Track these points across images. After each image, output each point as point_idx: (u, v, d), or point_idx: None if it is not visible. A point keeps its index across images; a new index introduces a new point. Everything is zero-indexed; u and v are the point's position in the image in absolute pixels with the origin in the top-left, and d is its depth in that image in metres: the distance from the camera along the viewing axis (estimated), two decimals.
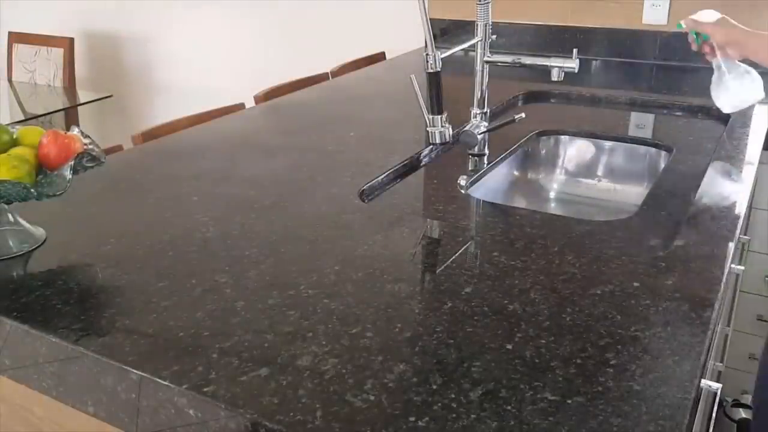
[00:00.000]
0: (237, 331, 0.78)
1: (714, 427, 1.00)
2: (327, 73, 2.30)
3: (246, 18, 3.12)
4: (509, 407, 0.66)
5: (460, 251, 0.99)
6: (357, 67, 2.39)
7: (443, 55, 1.17)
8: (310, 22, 2.98)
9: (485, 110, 1.45)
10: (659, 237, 1.03)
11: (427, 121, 1.19)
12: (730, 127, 1.60)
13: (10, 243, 0.97)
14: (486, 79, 1.44)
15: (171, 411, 0.70)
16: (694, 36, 1.47)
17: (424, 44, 1.15)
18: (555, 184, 1.65)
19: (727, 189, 1.21)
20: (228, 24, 3.18)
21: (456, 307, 0.83)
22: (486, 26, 1.40)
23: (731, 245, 0.99)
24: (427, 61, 1.15)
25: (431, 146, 1.42)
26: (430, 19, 1.14)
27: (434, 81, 1.16)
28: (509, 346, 0.75)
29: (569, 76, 1.41)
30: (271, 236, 1.03)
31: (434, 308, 0.84)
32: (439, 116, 1.18)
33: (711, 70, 1.46)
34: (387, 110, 1.80)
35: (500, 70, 1.53)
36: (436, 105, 1.17)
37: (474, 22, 1.40)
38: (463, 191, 1.23)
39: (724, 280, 0.90)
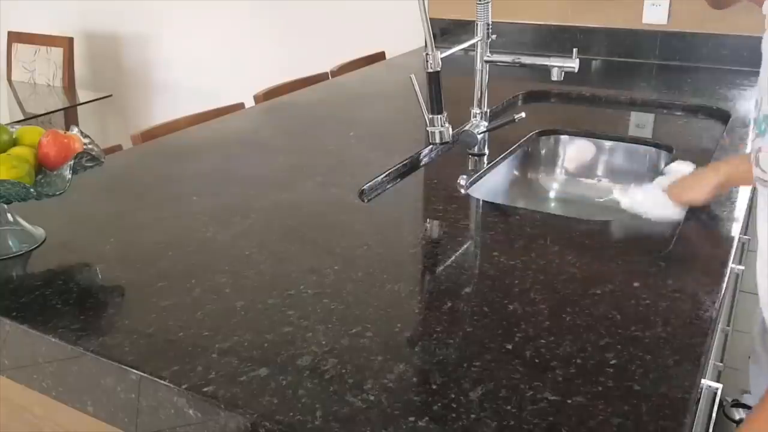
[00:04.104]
0: (237, 331, 0.78)
1: (714, 427, 1.00)
2: (327, 73, 2.30)
3: (246, 18, 3.12)
4: (509, 407, 0.66)
5: (460, 251, 0.99)
6: (357, 67, 2.39)
7: (443, 55, 1.17)
8: (310, 22, 2.98)
9: (485, 110, 1.45)
10: (659, 237, 1.03)
11: (427, 121, 1.19)
12: (730, 127, 1.59)
13: (10, 243, 0.97)
14: (486, 79, 1.44)
15: (171, 411, 0.70)
16: None
17: (424, 44, 1.15)
18: (555, 184, 1.65)
19: (726, 188, 1.21)
20: (228, 24, 3.18)
21: (456, 307, 0.83)
22: (486, 26, 1.40)
23: (731, 245, 0.99)
24: (427, 61, 1.15)
25: (431, 146, 1.42)
26: (430, 19, 1.14)
27: (434, 81, 1.16)
28: (509, 346, 0.75)
29: (569, 76, 1.41)
30: (271, 236, 1.02)
31: (434, 308, 0.84)
32: (439, 116, 1.18)
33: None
34: (387, 110, 1.80)
35: (500, 69, 1.53)
36: (436, 105, 1.17)
37: (474, 21, 1.40)
38: (463, 191, 1.23)
39: (724, 280, 0.90)
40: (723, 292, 0.87)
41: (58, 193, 0.95)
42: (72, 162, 0.94)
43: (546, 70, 1.40)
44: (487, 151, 1.45)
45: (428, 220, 1.11)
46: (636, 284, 0.88)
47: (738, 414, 1.87)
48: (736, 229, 1.05)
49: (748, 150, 1.15)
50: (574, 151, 1.64)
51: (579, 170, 1.63)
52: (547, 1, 2.43)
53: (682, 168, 1.23)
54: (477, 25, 1.39)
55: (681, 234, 1.03)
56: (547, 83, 1.67)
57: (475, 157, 1.43)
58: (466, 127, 1.42)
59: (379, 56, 2.59)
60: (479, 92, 1.44)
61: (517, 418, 0.64)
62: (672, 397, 0.67)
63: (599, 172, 1.62)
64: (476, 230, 1.08)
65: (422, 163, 1.39)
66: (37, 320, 0.80)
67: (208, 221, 1.07)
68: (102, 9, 3.49)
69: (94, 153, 0.98)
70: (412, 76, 1.14)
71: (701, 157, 1.39)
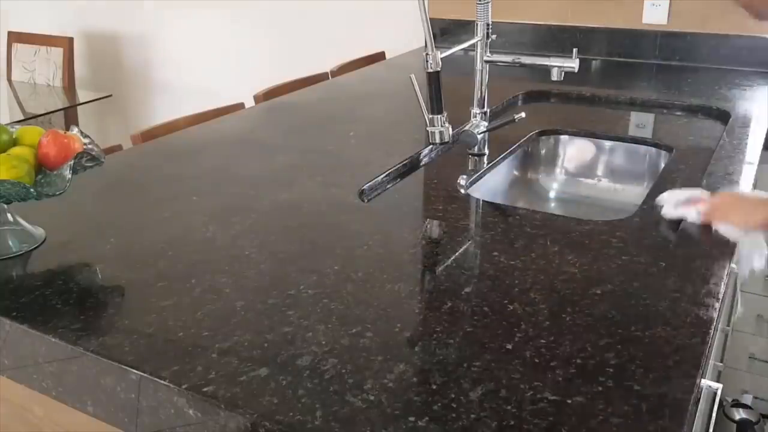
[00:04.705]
0: (237, 331, 0.78)
1: (714, 427, 1.00)
2: (327, 73, 2.30)
3: (246, 18, 3.12)
4: (509, 407, 0.66)
5: (460, 251, 0.99)
6: (357, 67, 2.39)
7: (443, 55, 1.17)
8: (310, 22, 2.98)
9: (485, 110, 1.45)
10: (659, 237, 1.03)
11: (427, 121, 1.19)
12: (730, 127, 1.59)
13: (10, 243, 0.97)
14: (486, 79, 1.44)
15: (170, 411, 0.70)
16: None
17: (424, 44, 1.15)
18: (555, 184, 1.65)
19: (726, 189, 1.21)
20: (228, 24, 3.18)
21: (456, 307, 0.83)
22: (486, 26, 1.40)
23: (731, 246, 0.99)
24: (427, 61, 1.15)
25: (431, 146, 1.42)
26: (430, 19, 1.14)
27: (434, 81, 1.16)
28: (509, 346, 0.75)
29: (569, 76, 1.41)
30: (270, 236, 1.02)
31: (434, 308, 0.83)
32: (439, 116, 1.18)
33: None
34: (387, 110, 1.80)
35: (500, 69, 1.53)
36: (436, 105, 1.17)
37: (474, 21, 1.40)
38: (463, 191, 1.23)
39: (724, 280, 0.90)
40: (723, 292, 0.87)
41: (58, 193, 0.95)
42: (72, 162, 0.94)
43: (546, 70, 1.40)
44: (487, 151, 1.45)
45: (428, 220, 1.11)
46: (636, 284, 0.88)
47: (738, 414, 1.86)
48: None
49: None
50: (574, 150, 1.64)
51: (579, 170, 1.63)
52: (547, 1, 2.43)
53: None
54: (477, 25, 1.39)
55: (681, 234, 1.03)
56: (547, 83, 1.67)
57: (475, 157, 1.43)
58: (466, 127, 1.42)
59: (379, 56, 2.59)
60: (479, 92, 1.44)
61: (517, 418, 0.64)
62: (672, 397, 0.67)
63: (599, 172, 1.62)
64: (476, 230, 1.08)
65: (422, 163, 1.39)
66: (37, 320, 0.80)
67: (208, 221, 1.07)
68: (102, 9, 3.49)
69: (94, 153, 0.98)
70: (412, 76, 1.14)
71: (701, 157, 1.39)
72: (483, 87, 1.44)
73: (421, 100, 1.17)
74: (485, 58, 1.42)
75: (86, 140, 1.01)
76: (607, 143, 1.60)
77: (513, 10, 2.46)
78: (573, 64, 1.38)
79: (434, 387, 0.69)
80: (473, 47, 1.40)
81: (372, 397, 0.67)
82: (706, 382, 0.78)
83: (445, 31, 2.58)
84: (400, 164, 1.33)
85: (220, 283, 0.88)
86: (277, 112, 1.78)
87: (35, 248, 0.98)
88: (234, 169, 1.32)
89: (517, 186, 1.59)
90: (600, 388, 0.68)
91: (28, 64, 3.39)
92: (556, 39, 2.44)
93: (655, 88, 1.99)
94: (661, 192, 1.15)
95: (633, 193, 1.56)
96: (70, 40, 3.32)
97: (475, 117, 1.45)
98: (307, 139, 1.52)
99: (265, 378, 0.70)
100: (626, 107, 1.86)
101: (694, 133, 1.59)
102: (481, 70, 1.43)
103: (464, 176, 1.28)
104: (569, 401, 0.66)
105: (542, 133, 1.64)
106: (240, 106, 1.83)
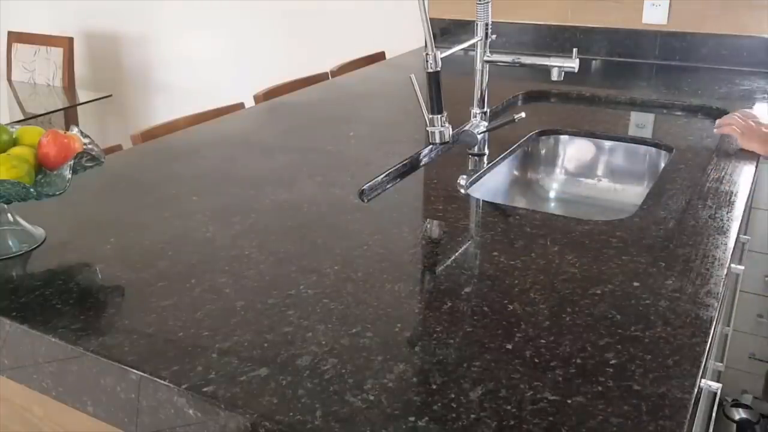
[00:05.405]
0: (237, 331, 0.78)
1: (714, 427, 1.00)
2: (327, 73, 2.30)
3: (246, 18, 3.12)
4: (509, 407, 0.66)
5: (460, 251, 0.99)
6: (357, 67, 2.39)
7: (443, 55, 1.17)
8: (310, 22, 2.98)
9: (485, 110, 1.45)
10: (659, 237, 1.03)
11: (427, 121, 1.19)
12: None
13: (10, 243, 0.97)
14: (486, 79, 1.44)
15: (170, 411, 0.70)
16: None
17: (424, 44, 1.15)
18: (555, 184, 1.65)
19: (726, 189, 1.21)
20: (228, 24, 3.18)
21: (456, 307, 0.83)
22: (486, 26, 1.40)
23: (731, 245, 0.99)
24: (427, 61, 1.15)
25: (431, 146, 1.42)
26: (430, 18, 1.14)
27: (434, 81, 1.16)
28: (509, 346, 0.75)
29: (569, 76, 1.41)
30: (270, 236, 1.02)
31: (434, 308, 0.83)
32: (439, 116, 1.18)
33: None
34: (387, 110, 1.80)
35: (500, 69, 1.53)
36: (436, 105, 1.17)
37: (474, 21, 1.40)
38: (463, 191, 1.23)
39: (724, 280, 0.90)
40: (723, 292, 0.87)
41: (58, 193, 0.95)
42: (72, 162, 0.94)
43: (546, 70, 1.40)
44: (487, 151, 1.45)
45: (428, 220, 1.11)
46: (636, 284, 0.88)
47: (738, 414, 1.87)
48: (735, 229, 1.05)
49: None
50: (574, 150, 1.64)
51: (579, 170, 1.64)
52: (547, 1, 2.43)
53: None
54: (477, 25, 1.39)
55: (681, 234, 1.03)
56: (547, 83, 1.67)
57: (475, 157, 1.43)
58: (466, 127, 1.42)
59: (379, 56, 2.59)
60: (479, 92, 1.44)
61: (517, 418, 0.64)
62: (672, 397, 0.67)
63: (599, 172, 1.62)
64: (476, 230, 1.08)
65: (422, 163, 1.39)
66: (37, 320, 0.80)
67: (208, 221, 1.07)
68: (102, 9, 3.50)
69: (94, 153, 0.98)
70: (412, 76, 1.14)
71: (701, 157, 1.39)
72: (483, 87, 1.44)
73: (421, 100, 1.17)
74: (485, 58, 1.42)
75: (86, 140, 1.01)
76: (607, 143, 1.60)
77: (513, 10, 2.46)
78: (573, 64, 1.38)
79: (434, 387, 0.69)
80: (473, 47, 1.40)
81: (372, 397, 0.67)
82: (706, 382, 0.78)
83: (445, 31, 2.58)
84: (400, 164, 1.33)
85: (220, 283, 0.88)
86: (277, 112, 1.78)
87: (35, 248, 0.98)
88: (234, 169, 1.32)
89: (517, 186, 1.59)
90: (600, 388, 0.68)
91: (28, 64, 3.39)
92: (556, 39, 2.44)
93: (655, 88, 1.99)
94: (662, 192, 1.15)
95: (633, 193, 1.56)
96: (70, 40, 3.32)
97: (475, 117, 1.45)
98: (307, 139, 1.52)
99: (265, 378, 0.70)
100: (626, 107, 1.86)
101: (694, 133, 1.59)
102: (481, 70, 1.43)
103: (464, 176, 1.28)
104: (569, 401, 0.66)
105: (542, 133, 1.64)
106: (240, 106, 1.83)
